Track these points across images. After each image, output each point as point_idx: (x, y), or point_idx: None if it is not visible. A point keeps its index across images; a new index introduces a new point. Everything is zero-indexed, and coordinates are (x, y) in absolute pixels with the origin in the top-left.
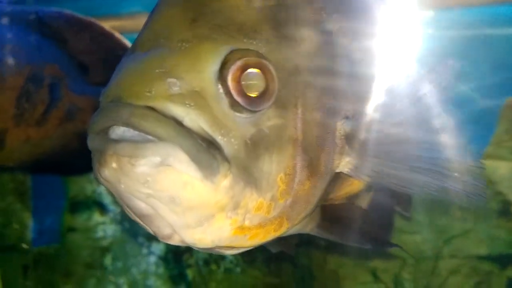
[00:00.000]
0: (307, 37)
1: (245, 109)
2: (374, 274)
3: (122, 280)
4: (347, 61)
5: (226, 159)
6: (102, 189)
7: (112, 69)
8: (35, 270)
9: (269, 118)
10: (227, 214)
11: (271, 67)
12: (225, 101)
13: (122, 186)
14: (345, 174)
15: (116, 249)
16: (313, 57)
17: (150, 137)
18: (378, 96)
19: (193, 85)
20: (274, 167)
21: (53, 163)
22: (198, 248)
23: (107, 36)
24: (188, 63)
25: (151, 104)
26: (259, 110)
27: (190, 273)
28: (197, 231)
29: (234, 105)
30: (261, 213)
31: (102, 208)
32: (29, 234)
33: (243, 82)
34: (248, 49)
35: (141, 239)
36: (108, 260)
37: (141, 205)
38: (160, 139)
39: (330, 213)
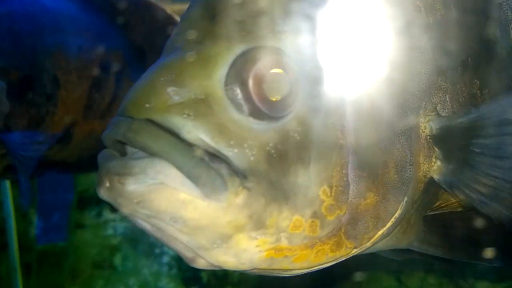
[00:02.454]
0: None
1: (266, 116)
2: (398, 279)
3: (132, 281)
4: (430, 33)
5: (236, 173)
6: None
7: None
8: (39, 270)
9: (300, 122)
10: (250, 234)
11: (295, 66)
12: (240, 107)
13: (121, 207)
14: None
15: (126, 248)
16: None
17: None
18: (482, 81)
19: (197, 93)
20: (312, 179)
21: None
22: (242, 270)
23: (168, 21)
24: (194, 68)
25: (149, 116)
26: (282, 116)
27: (204, 275)
28: (218, 253)
29: (254, 111)
30: (303, 233)
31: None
32: (33, 231)
33: (267, 84)
34: (268, 47)
35: (153, 238)
36: (117, 260)
37: (146, 226)
38: (153, 154)
39: (436, 224)
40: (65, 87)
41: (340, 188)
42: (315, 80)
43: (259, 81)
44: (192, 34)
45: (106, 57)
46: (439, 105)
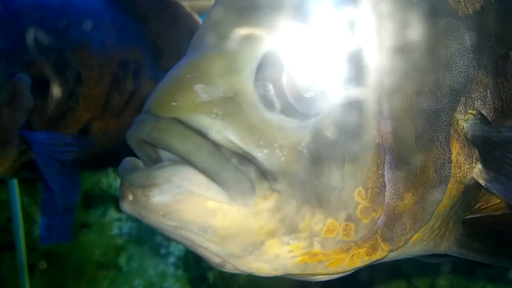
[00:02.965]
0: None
1: (299, 113)
2: (409, 280)
3: (137, 282)
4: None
5: (265, 176)
6: (119, 183)
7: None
8: (42, 270)
9: (333, 121)
10: (282, 239)
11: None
12: (271, 105)
13: (146, 220)
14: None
15: (131, 248)
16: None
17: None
18: None
19: (225, 90)
20: (347, 180)
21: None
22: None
23: (187, 18)
24: (222, 64)
25: (176, 115)
26: (315, 114)
27: (211, 276)
28: (249, 260)
29: (287, 108)
30: (337, 237)
31: (118, 203)
32: (37, 230)
33: (297, 81)
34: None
35: (159, 238)
36: (123, 260)
37: (175, 237)
38: (180, 155)
39: (476, 228)
40: (87, 84)
41: (376, 189)
42: (349, 75)
43: (292, 77)
44: (219, 30)
45: (126, 54)
46: (479, 101)
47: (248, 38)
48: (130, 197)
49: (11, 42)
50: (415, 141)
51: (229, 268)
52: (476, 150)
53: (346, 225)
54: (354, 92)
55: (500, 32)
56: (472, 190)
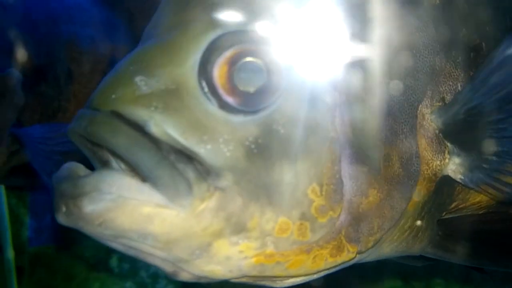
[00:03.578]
0: None
1: (238, 110)
2: (405, 279)
3: (129, 284)
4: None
5: (208, 173)
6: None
7: None
8: (31, 273)
9: (284, 115)
10: (230, 240)
11: (275, 53)
12: (212, 101)
13: (84, 231)
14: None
15: None
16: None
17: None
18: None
19: (167, 83)
20: (299, 177)
21: None
22: (232, 279)
23: None
24: (165, 56)
25: (114, 108)
26: (260, 109)
27: None
28: (200, 263)
29: (224, 106)
30: (291, 236)
31: None
32: (25, 232)
33: (237, 75)
34: (244, 31)
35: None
36: (114, 262)
37: (118, 246)
38: (113, 151)
39: (453, 228)
40: (79, 81)
41: (332, 186)
42: (301, 67)
43: (226, 72)
44: (165, 21)
45: (114, 50)
46: (449, 94)
47: (194, 29)
48: (64, 209)
49: (0, 35)
50: (376, 134)
51: (184, 276)
52: (448, 144)
53: (301, 224)
54: (306, 84)
55: (472, 23)
56: (445, 188)
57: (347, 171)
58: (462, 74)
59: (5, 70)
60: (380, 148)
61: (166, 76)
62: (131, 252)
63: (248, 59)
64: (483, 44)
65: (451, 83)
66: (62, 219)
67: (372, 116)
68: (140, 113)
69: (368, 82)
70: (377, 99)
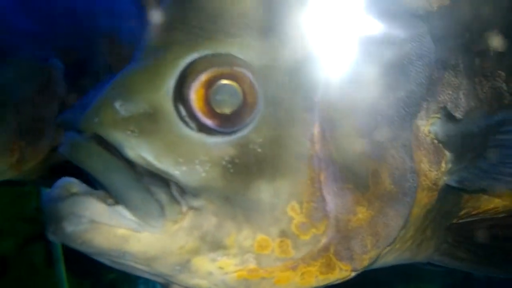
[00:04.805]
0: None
1: (217, 132)
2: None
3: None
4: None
5: (183, 193)
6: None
7: None
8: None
9: (261, 134)
10: (208, 256)
11: (249, 74)
12: (190, 124)
13: (72, 247)
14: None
15: None
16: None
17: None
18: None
19: (145, 108)
20: (278, 195)
21: None
22: None
23: None
24: (144, 80)
25: (96, 131)
26: (237, 130)
27: None
28: (184, 278)
29: (202, 128)
30: (273, 253)
31: None
32: None
33: (214, 98)
34: (218, 55)
35: None
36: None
37: (106, 262)
38: (91, 173)
39: (463, 235)
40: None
41: (312, 204)
42: (279, 87)
43: (203, 95)
44: (150, 44)
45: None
46: (449, 103)
47: (171, 52)
48: (51, 228)
49: (44, 25)
50: (360, 150)
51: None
52: (447, 154)
53: (281, 241)
54: (283, 102)
55: (475, 27)
56: (449, 197)
57: (332, 188)
58: (465, 82)
59: (48, 61)
60: (366, 165)
61: (144, 101)
62: (120, 267)
63: (223, 81)
64: (488, 49)
65: (451, 92)
66: (51, 237)
67: (356, 132)
68: (117, 137)
69: (351, 96)
70: (360, 114)
